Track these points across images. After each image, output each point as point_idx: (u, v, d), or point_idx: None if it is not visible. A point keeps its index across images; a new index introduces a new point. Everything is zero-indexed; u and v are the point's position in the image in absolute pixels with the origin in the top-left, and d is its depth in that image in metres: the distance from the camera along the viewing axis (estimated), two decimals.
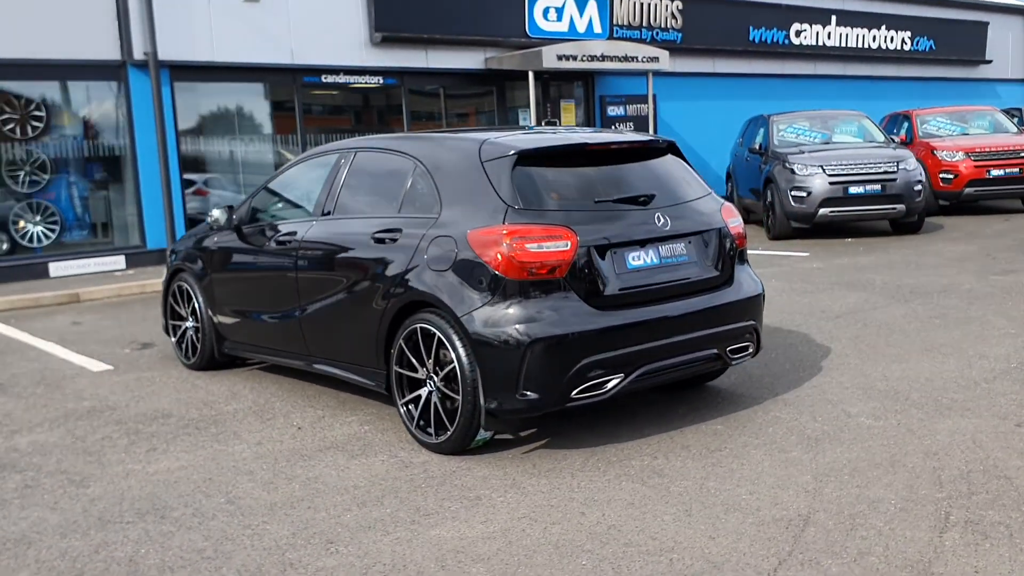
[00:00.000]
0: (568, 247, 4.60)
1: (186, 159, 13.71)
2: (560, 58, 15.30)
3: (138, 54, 12.74)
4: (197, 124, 13.88)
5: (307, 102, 14.75)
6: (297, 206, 6.30)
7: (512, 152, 4.84)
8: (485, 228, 4.64)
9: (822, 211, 13.20)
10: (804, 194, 13.25)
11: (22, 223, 12.82)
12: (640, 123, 17.80)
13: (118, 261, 13.05)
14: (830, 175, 13.17)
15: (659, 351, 4.83)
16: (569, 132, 5.54)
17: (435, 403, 4.82)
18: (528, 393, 4.51)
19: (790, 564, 3.47)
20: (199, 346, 6.99)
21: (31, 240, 12.87)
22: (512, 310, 4.54)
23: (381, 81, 15.26)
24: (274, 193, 6.67)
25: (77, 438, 5.48)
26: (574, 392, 4.57)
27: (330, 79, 14.69)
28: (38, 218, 12.93)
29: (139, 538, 3.97)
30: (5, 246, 12.76)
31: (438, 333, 4.73)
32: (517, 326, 4.50)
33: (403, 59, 15.21)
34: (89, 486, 4.66)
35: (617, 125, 17.93)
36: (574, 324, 4.57)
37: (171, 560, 3.74)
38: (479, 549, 3.71)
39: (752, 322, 5.32)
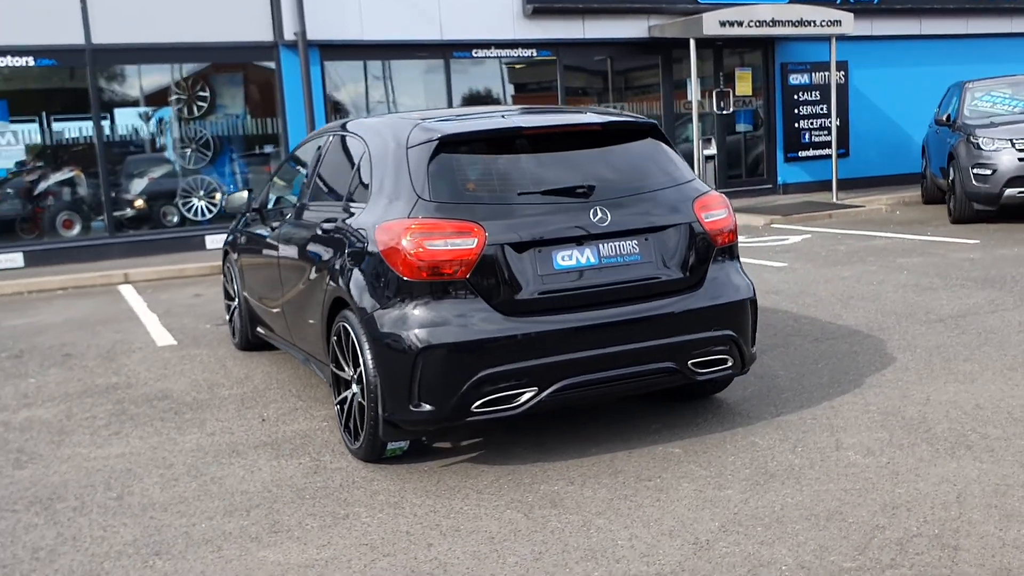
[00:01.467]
0: (473, 245, 4.14)
1: None
2: (723, 24, 14.26)
3: (288, 35, 13.15)
4: (346, 102, 14.17)
5: (458, 78, 14.67)
6: (293, 191, 6.17)
7: (435, 138, 4.41)
8: (390, 222, 4.27)
9: (1008, 191, 11.52)
10: (988, 172, 11.62)
11: (189, 198, 13.66)
12: (826, 92, 16.33)
13: None
14: (1020, 150, 11.45)
15: (587, 363, 4.26)
16: (523, 115, 4.99)
17: (355, 406, 4.53)
18: (423, 405, 4.12)
19: None
20: (238, 327, 7.07)
21: (196, 214, 13.70)
22: (412, 313, 4.15)
23: (534, 54, 14.91)
24: (280, 177, 6.59)
25: (67, 416, 5.66)
26: (474, 406, 4.12)
27: (481, 54, 14.53)
28: (201, 193, 13.73)
29: (1, 530, 4.00)
30: (175, 219, 13.67)
31: (352, 333, 4.43)
32: (412, 331, 4.11)
33: (558, 30, 14.76)
34: (25, 468, 4.77)
35: (799, 95, 16.57)
36: (472, 331, 4.11)
37: (5, 558, 3.72)
38: None
39: (728, 332, 4.59)
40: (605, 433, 4.77)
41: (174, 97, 13.41)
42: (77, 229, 13.03)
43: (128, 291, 10.87)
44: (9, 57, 12.16)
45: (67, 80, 12.88)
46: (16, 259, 12.37)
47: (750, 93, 16.49)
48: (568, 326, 4.24)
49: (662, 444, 4.59)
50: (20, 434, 5.36)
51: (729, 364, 4.65)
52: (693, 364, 4.52)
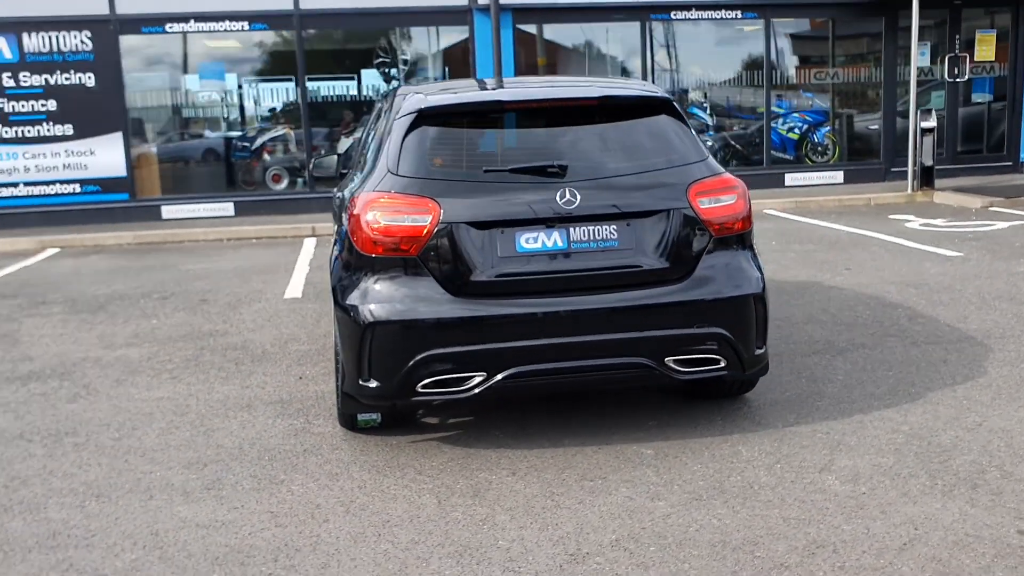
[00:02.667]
0: (427, 223, 4.04)
1: None
2: None
3: None
4: (537, 65, 14.16)
5: (657, 42, 14.21)
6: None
7: (413, 110, 4.34)
8: (359, 195, 4.27)
9: None
10: None
11: None
12: None
13: None
14: None
15: (542, 352, 4.06)
16: (519, 88, 4.73)
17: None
18: (371, 380, 4.11)
19: None
20: None
21: None
22: (365, 287, 4.14)
23: (739, 15, 14.12)
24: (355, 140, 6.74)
25: (148, 358, 6.18)
26: (419, 386, 4.05)
27: (680, 15, 13.97)
28: None
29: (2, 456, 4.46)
30: None
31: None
32: (363, 305, 4.10)
33: None
34: (75, 402, 5.28)
35: None
36: (417, 310, 4.03)
37: None
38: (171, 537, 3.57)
39: (716, 330, 4.19)
40: (593, 425, 4.54)
41: (377, 60, 14.02)
42: (284, 183, 14.04)
43: (309, 243, 11.59)
44: (227, 22, 13.22)
45: (278, 44, 13.83)
46: (227, 209, 13.54)
47: (992, 58, 14.69)
48: (522, 311, 4.06)
49: (639, 444, 4.30)
50: (100, 370, 5.92)
51: (722, 365, 4.25)
52: (674, 362, 4.17)
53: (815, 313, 6.64)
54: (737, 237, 4.36)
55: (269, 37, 13.73)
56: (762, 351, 4.39)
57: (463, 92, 4.61)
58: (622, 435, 4.41)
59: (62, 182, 13.22)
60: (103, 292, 8.58)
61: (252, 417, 4.90)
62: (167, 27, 13.17)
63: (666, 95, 4.54)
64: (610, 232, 4.16)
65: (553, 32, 14.21)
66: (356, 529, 3.55)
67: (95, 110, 13.01)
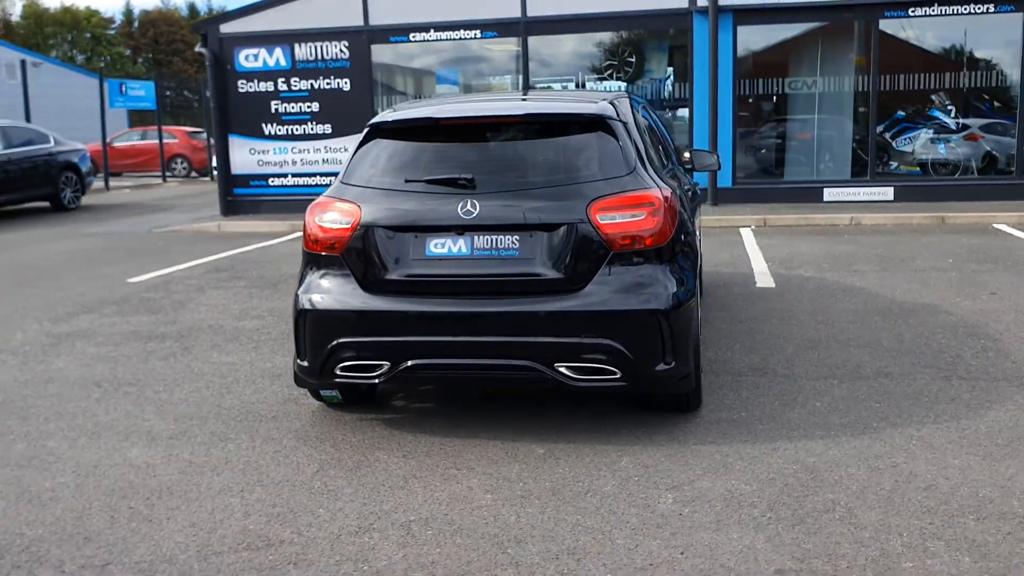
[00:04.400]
0: (348, 225, 4.57)
1: (744, 103, 13.85)
2: None
3: (701, 0, 13.29)
4: (755, 68, 13.82)
5: (887, 42, 13.30)
6: None
7: (368, 126, 4.86)
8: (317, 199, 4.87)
9: None
10: None
11: None
12: None
13: None
14: None
15: (443, 348, 4.43)
16: (464, 103, 5.03)
17: None
18: (304, 360, 4.72)
19: None
20: None
21: None
22: (307, 279, 4.73)
23: (991, 9, 12.83)
24: None
25: (258, 330, 7.19)
26: (337, 368, 4.59)
27: (919, 11, 12.98)
28: None
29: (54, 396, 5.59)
30: None
31: None
32: (302, 296, 4.70)
33: None
34: (164, 360, 6.38)
35: None
36: (334, 302, 4.57)
37: (25, 428, 5.28)
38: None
39: (605, 341, 4.31)
40: (555, 428, 4.70)
41: (606, 63, 14.46)
42: None
43: None
44: (461, 31, 14.30)
45: (506, 49, 14.69)
46: None
47: None
48: (425, 309, 4.45)
49: (538, 443, 4.52)
50: (210, 336, 7.02)
51: (618, 376, 4.37)
52: (567, 368, 4.36)
53: (881, 337, 6.25)
54: (653, 252, 4.43)
55: (499, 43, 14.64)
56: (669, 367, 4.41)
57: (412, 110, 5.02)
58: (531, 434, 4.64)
59: (321, 175, 15.05)
60: (290, 272, 9.89)
61: (269, 384, 5.68)
62: (411, 36, 14.52)
63: (600, 112, 4.67)
64: (512, 242, 4.43)
65: (771, 33, 13.79)
66: (228, 482, 4.18)
67: (349, 112, 14.65)
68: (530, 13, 14.00)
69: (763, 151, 14.56)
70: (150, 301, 8.45)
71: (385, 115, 4.93)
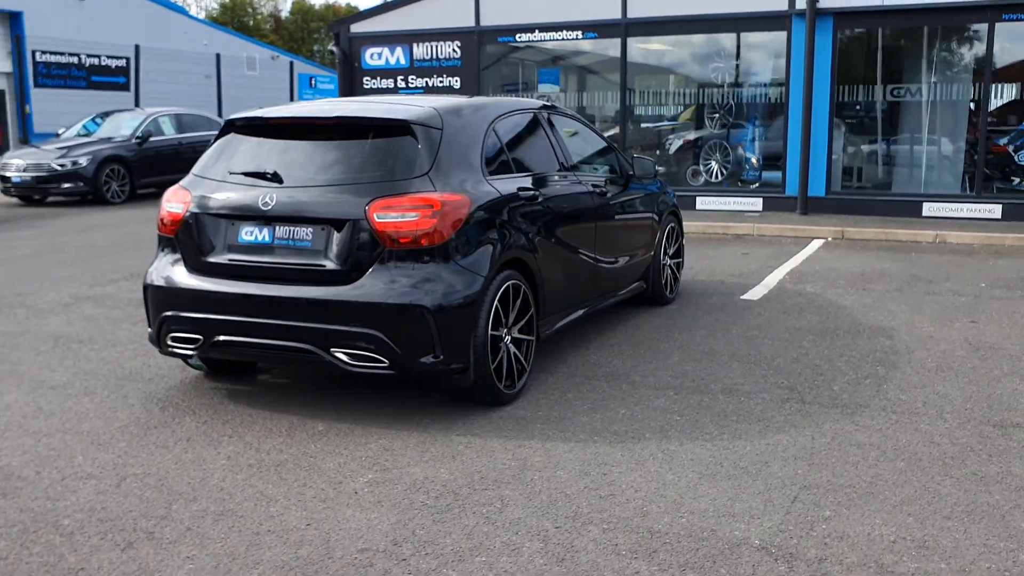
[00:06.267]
0: (180, 210, 5.11)
1: (843, 110, 13.23)
2: None
3: (800, 3, 12.85)
4: (859, 73, 13.14)
5: (1004, 47, 12.28)
6: None
7: (224, 123, 5.38)
8: None
9: None
10: None
11: (709, 161, 14.53)
12: None
13: (756, 203, 13.72)
14: None
15: (238, 327, 4.87)
16: (305, 105, 5.41)
17: None
18: (150, 328, 5.31)
19: None
20: None
21: (712, 176, 14.50)
22: (155, 257, 5.32)
23: None
24: None
25: None
26: (167, 338, 5.14)
27: None
28: (718, 156, 14.44)
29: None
30: (702, 179, 14.71)
31: None
32: (147, 271, 5.28)
33: None
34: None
35: None
36: (162, 280, 5.12)
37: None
38: None
39: (370, 331, 4.60)
40: (365, 410, 5.04)
41: (711, 65, 14.26)
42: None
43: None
44: (564, 32, 14.56)
45: (605, 51, 14.79)
46: None
47: None
48: (230, 291, 4.91)
49: (372, 427, 4.88)
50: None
51: (385, 364, 4.66)
52: (342, 354, 4.70)
53: (781, 357, 6.08)
54: (429, 251, 4.68)
55: (599, 45, 14.76)
56: (436, 360, 4.65)
57: (260, 111, 5.45)
58: (334, 413, 4.98)
59: None
60: None
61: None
62: (517, 36, 14.95)
63: (406, 117, 4.94)
64: (306, 234, 4.82)
65: (882, 36, 13.06)
66: (45, 426, 4.83)
67: None
68: (630, 15, 14.05)
69: (861, 161, 13.84)
70: None
71: (239, 114, 5.43)
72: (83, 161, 16.83)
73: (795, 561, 3.34)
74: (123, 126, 18.26)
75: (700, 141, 14.58)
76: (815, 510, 3.76)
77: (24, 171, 16.87)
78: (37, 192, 17.04)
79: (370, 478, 4.14)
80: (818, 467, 4.21)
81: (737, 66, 14.11)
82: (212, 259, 5.03)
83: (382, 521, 3.69)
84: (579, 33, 14.51)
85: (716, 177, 14.41)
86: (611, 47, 14.55)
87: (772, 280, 8.93)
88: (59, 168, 16.74)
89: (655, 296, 7.59)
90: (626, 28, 14.16)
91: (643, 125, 14.91)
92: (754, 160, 14.34)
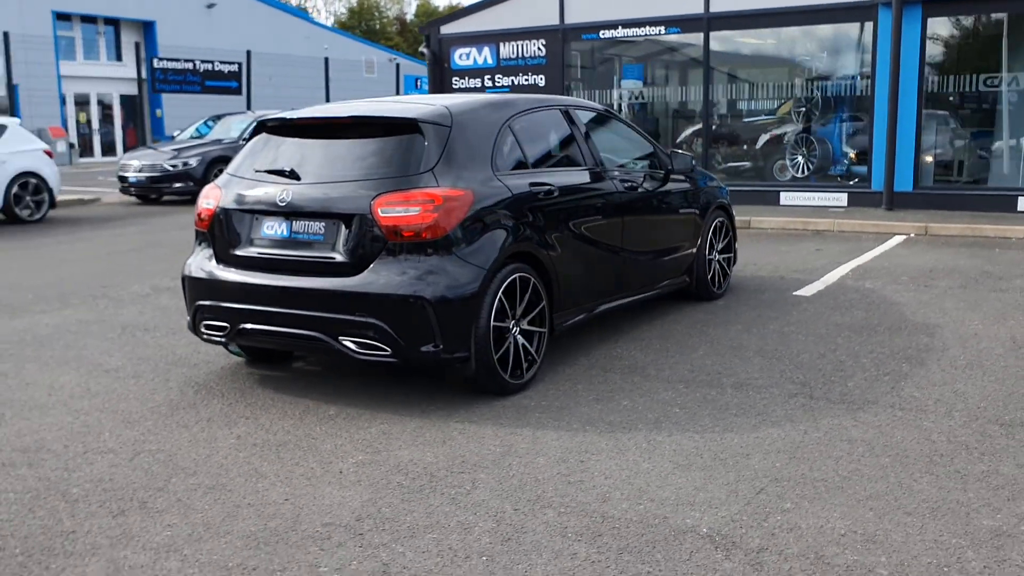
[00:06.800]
0: (212, 206, 5.47)
1: (932, 101, 12.77)
2: None
3: None
4: (951, 63, 12.64)
5: None
6: None
7: (256, 124, 5.71)
8: None
9: None
10: None
11: (795, 155, 14.27)
12: None
13: (840, 198, 13.39)
14: None
15: (260, 315, 5.18)
16: (333, 105, 5.60)
17: None
18: (188, 316, 5.70)
19: None
20: None
21: (799, 171, 14.23)
22: (193, 250, 5.69)
23: None
24: None
25: None
26: (201, 326, 5.51)
27: None
28: (804, 150, 14.16)
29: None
30: (787, 175, 14.47)
31: None
32: (185, 262, 5.67)
33: None
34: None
35: None
36: (197, 271, 5.49)
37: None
38: None
39: (374, 321, 4.84)
40: (376, 396, 5.37)
41: (796, 59, 14.02)
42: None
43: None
44: (647, 27, 14.54)
45: (688, 45, 14.67)
46: None
47: None
48: (253, 281, 5.23)
49: (373, 414, 5.15)
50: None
51: (388, 352, 4.90)
52: (350, 342, 4.96)
53: (807, 353, 6.02)
54: (431, 244, 4.89)
55: (682, 39, 14.67)
56: (437, 350, 4.85)
57: (290, 112, 5.75)
58: (346, 398, 5.25)
59: None
60: None
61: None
62: (600, 33, 15.01)
63: (414, 115, 5.15)
64: (319, 228, 5.10)
65: (975, 24, 12.55)
66: (89, 405, 5.26)
67: None
68: (712, 9, 13.93)
69: (951, 154, 13.31)
70: None
71: (269, 115, 5.75)
72: (193, 162, 17.76)
73: (734, 550, 3.39)
74: (232, 128, 19.16)
75: (786, 136, 14.33)
76: (776, 502, 3.78)
77: (140, 171, 17.93)
78: (152, 191, 18.08)
79: (359, 459, 4.37)
80: (797, 460, 4.22)
81: (822, 58, 13.81)
82: (239, 252, 5.36)
83: (354, 499, 3.91)
84: (662, 28, 14.47)
85: (802, 172, 14.13)
86: (694, 42, 14.45)
87: (833, 276, 8.77)
88: (171, 169, 17.71)
89: (700, 291, 7.59)
90: (708, 22, 14.04)
91: (729, 120, 14.74)
92: (850, 153, 13.98)
